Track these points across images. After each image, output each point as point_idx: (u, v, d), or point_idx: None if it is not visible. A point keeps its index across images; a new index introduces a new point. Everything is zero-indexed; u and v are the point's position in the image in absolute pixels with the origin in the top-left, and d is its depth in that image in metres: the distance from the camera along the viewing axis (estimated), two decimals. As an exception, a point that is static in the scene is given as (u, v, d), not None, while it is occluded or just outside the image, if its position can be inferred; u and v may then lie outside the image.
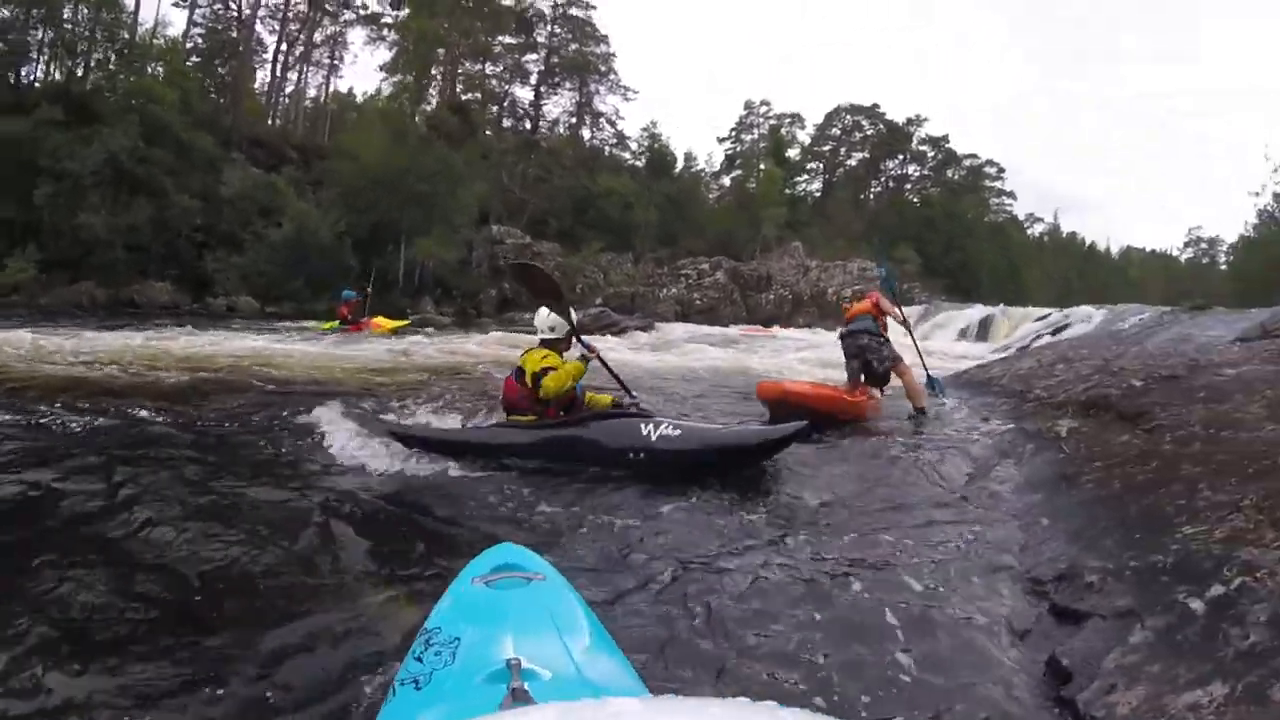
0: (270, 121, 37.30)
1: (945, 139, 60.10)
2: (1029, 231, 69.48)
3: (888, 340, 7.77)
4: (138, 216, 23.36)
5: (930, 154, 60.67)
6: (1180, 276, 63.76)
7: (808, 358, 14.79)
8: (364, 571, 3.02)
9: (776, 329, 27.37)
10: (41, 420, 5.41)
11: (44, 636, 2.31)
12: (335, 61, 41.75)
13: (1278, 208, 37.54)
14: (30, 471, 3.99)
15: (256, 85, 39.01)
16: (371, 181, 27.78)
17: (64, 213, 22.42)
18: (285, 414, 6.29)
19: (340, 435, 5.39)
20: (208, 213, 25.57)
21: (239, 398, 7.07)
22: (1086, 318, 23.58)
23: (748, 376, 10.81)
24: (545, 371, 4.85)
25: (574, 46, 44.69)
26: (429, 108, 34.49)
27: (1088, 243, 75.27)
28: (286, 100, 41.22)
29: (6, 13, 26.63)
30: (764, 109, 54.64)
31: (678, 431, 4.59)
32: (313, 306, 24.17)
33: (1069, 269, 66.61)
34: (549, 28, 44.68)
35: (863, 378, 7.77)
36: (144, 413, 5.92)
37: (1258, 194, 40.68)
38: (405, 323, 18.20)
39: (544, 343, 5.07)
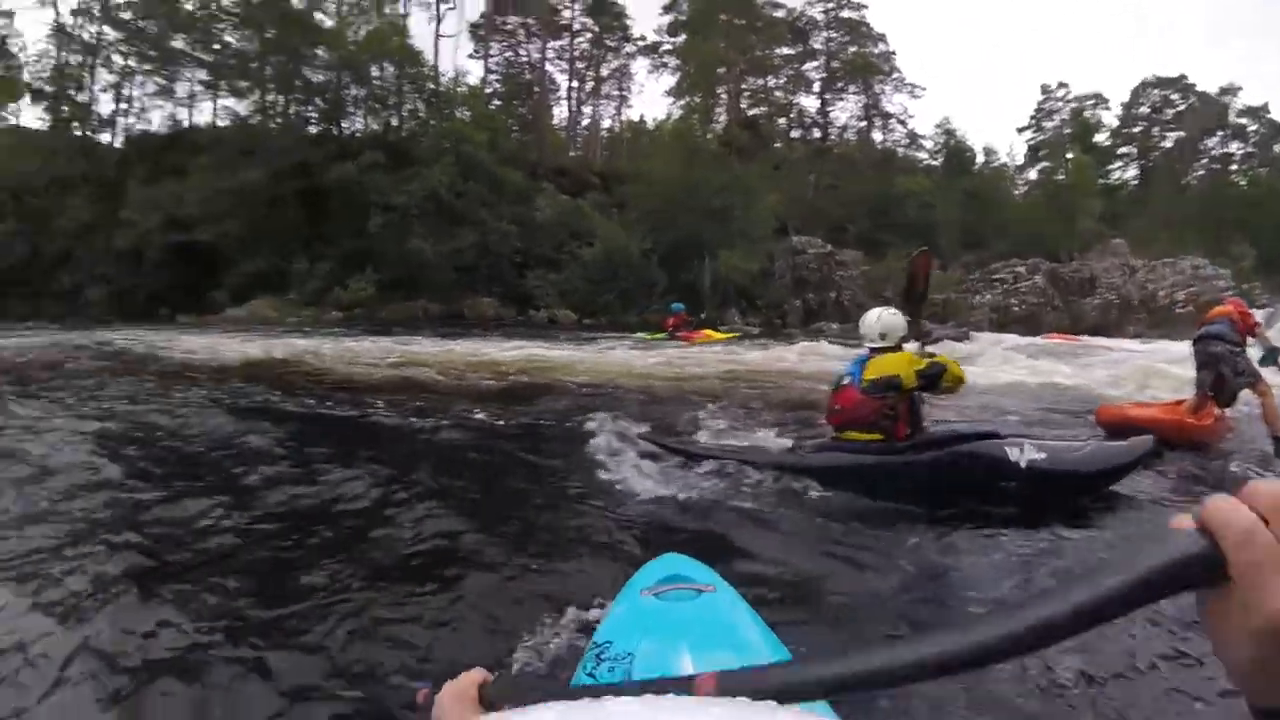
0: (571, 152, 39.77)
1: (1265, 109, 51.51)
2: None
3: (1245, 351, 6.48)
4: (461, 242, 26.10)
5: (1251, 127, 52.44)
6: None
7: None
8: (537, 576, 2.99)
9: (1084, 338, 23.53)
10: (364, 414, 6.51)
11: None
12: (624, 92, 44.08)
13: None
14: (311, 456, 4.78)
15: (555, 121, 41.78)
16: (668, 200, 28.66)
17: (394, 241, 25.63)
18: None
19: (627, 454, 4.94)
20: (524, 236, 27.87)
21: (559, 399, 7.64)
22: None
23: (1074, 394, 9.32)
24: (933, 371, 3.98)
25: (852, 49, 43.61)
26: (718, 126, 34.77)
27: None
28: (585, 132, 43.87)
29: (323, 76, 31.30)
30: (1062, 91, 50.01)
31: (1043, 454, 3.94)
32: (624, 318, 25.56)
33: None
34: (824, 34, 43.96)
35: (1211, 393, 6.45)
36: (450, 415, 6.41)
37: None
38: (736, 334, 18.48)
39: (873, 352, 4.25)
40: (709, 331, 17.58)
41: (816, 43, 43.83)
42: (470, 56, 39.53)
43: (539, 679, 2.05)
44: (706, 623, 1.54)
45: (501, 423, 6.18)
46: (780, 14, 42.97)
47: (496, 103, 36.68)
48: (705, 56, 33.49)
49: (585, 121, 43.79)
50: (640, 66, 42.98)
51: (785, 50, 42.81)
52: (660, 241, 27.59)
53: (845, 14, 43.42)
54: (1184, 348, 7.53)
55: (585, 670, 1.44)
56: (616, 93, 43.60)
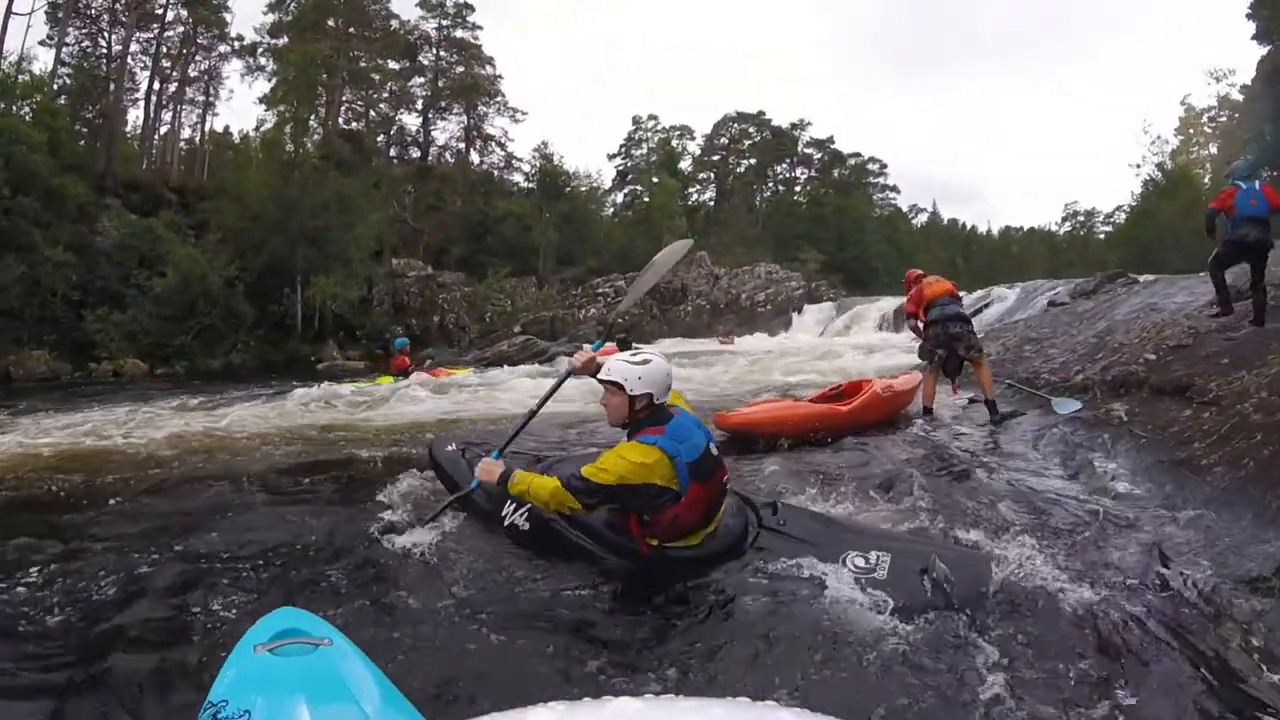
0: (145, 165, 34.91)
1: (830, 140, 62.08)
2: (913, 221, 72.09)
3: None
4: (6, 276, 20.52)
5: (817, 156, 62.32)
6: (1060, 249, 66.89)
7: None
8: (130, 641, 2.80)
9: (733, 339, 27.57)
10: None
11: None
12: (210, 98, 39.53)
13: (1161, 177, 40.29)
14: None
15: (128, 127, 36.58)
16: (258, 220, 25.72)
17: None
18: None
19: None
20: (83, 267, 22.94)
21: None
22: (1002, 296, 24.65)
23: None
24: None
25: (460, 69, 43.64)
26: (316, 137, 32.73)
27: (968, 227, 78.58)
28: (160, 142, 38.68)
29: None
30: (652, 123, 55.14)
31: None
32: (206, 363, 22.39)
33: (953, 254, 69.24)
34: (435, 51, 43.49)
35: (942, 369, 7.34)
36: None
37: (1139, 165, 43.89)
38: (468, 370, 16.49)
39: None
40: (448, 369, 15.98)
41: (425, 59, 43.32)
42: (41, 43, 32.84)
43: None
44: (324, 677, 1.50)
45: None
46: (394, 24, 41.77)
47: (63, 98, 30.83)
48: (308, 59, 31.13)
49: (164, 129, 38.94)
50: (233, 69, 39.06)
51: (393, 64, 41.67)
52: (248, 268, 24.50)
53: (459, 33, 43.42)
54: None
55: None
56: (202, 98, 39.29)
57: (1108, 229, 60.87)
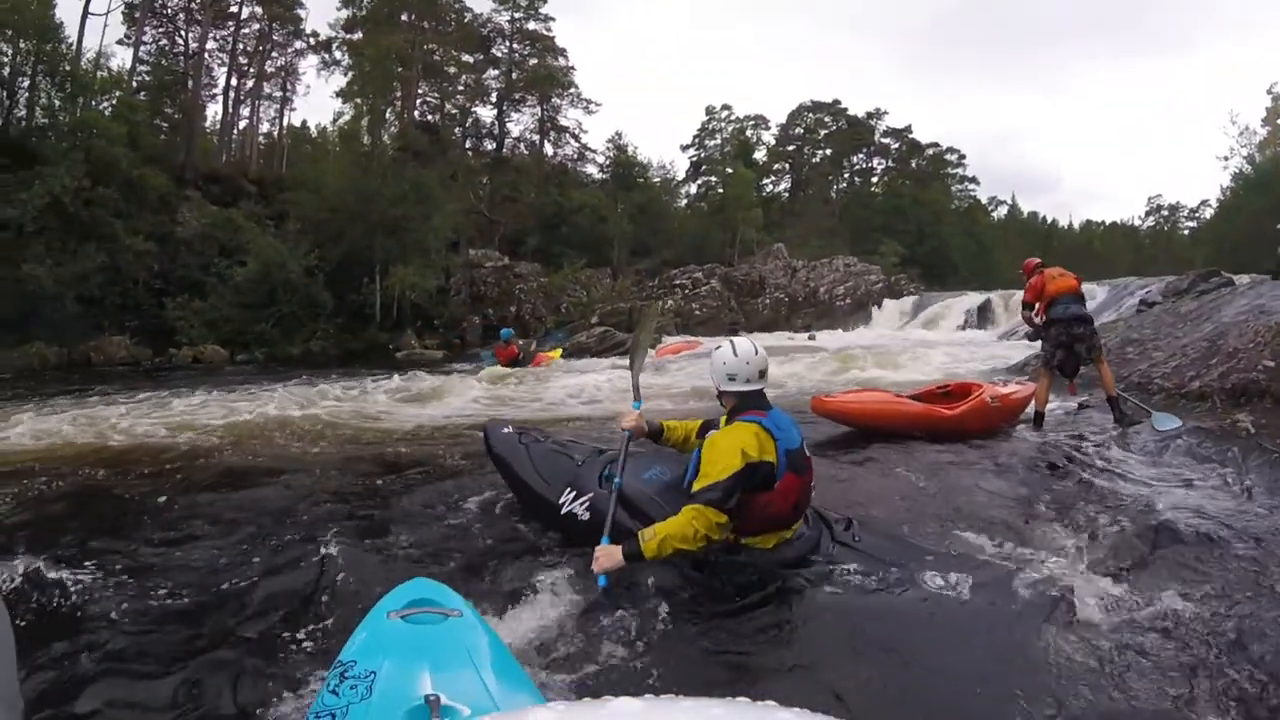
0: (225, 157, 35.30)
1: (908, 129, 60.42)
2: (992, 214, 69.61)
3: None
4: (87, 264, 20.68)
5: (894, 146, 60.75)
6: (1143, 245, 64.11)
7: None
8: (275, 600, 3.02)
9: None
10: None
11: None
12: (288, 93, 39.91)
13: (1252, 171, 37.83)
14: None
15: (207, 123, 37.15)
16: (336, 211, 25.70)
17: (5, 266, 19.53)
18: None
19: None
20: (164, 256, 23.29)
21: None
22: (1091, 294, 23.07)
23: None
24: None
25: (534, 61, 43.11)
26: (393, 129, 32.55)
27: (1049, 220, 75.63)
28: (239, 136, 39.20)
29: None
30: (725, 113, 54.11)
31: None
32: (286, 349, 22.28)
33: (1034, 248, 66.61)
34: (508, 44, 43.09)
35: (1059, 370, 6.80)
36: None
37: (1226, 158, 41.31)
38: (558, 352, 17.37)
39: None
40: (548, 355, 16.27)
41: (499, 51, 42.93)
42: (119, 42, 33.35)
43: None
44: (450, 647, 1.56)
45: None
46: (467, 18, 41.71)
47: (143, 94, 31.34)
48: (383, 53, 30.97)
49: (243, 124, 39.38)
50: (309, 65, 39.36)
51: (467, 57, 41.45)
52: (326, 258, 24.42)
53: (532, 25, 43.02)
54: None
55: (329, 688, 1.47)
56: (280, 93, 39.66)
57: (1192, 224, 57.99)
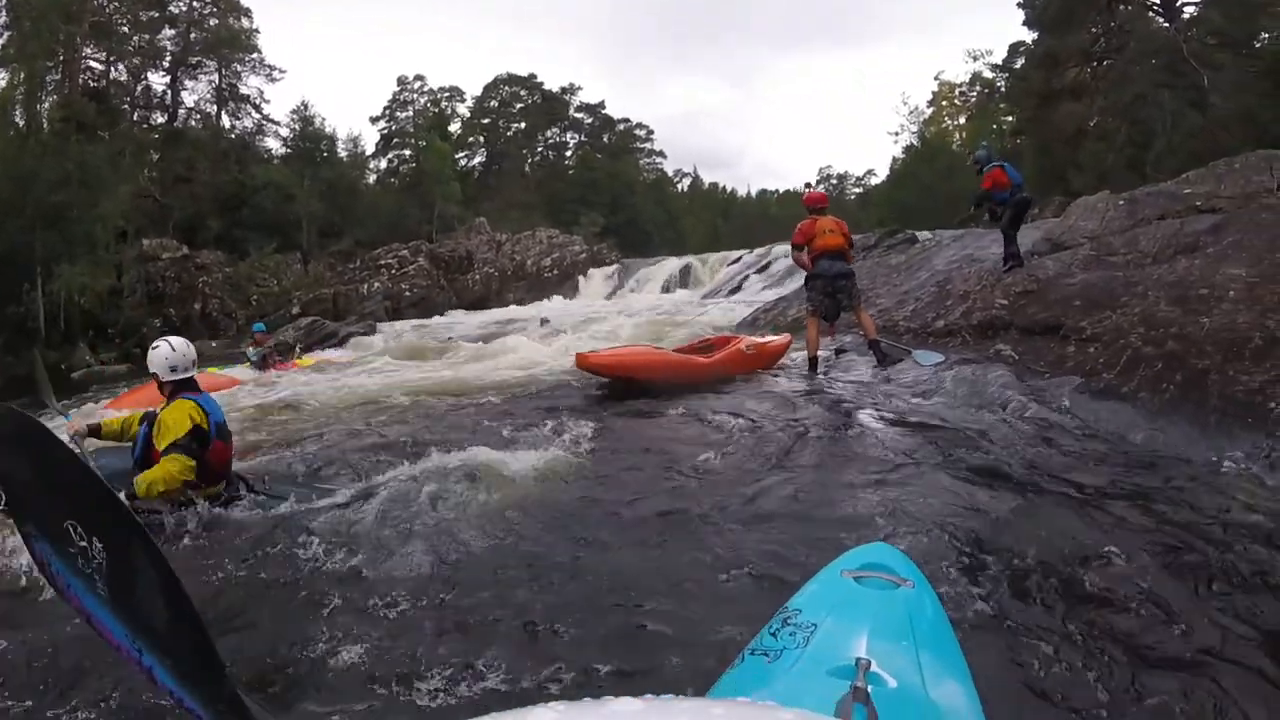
0: None
1: (601, 105, 62.71)
2: (677, 185, 74.72)
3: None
4: None
5: (588, 121, 62.72)
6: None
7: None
8: (740, 545, 3.18)
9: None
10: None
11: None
12: None
13: (919, 145, 44.55)
14: None
15: None
16: None
17: None
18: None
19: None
20: None
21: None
22: (785, 254, 25.94)
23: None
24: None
25: (214, 22, 38.08)
26: (54, 98, 27.27)
27: (729, 190, 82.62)
28: None
29: None
30: (419, 84, 52.12)
31: None
32: None
33: (715, 216, 72.64)
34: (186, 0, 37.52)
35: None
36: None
37: (897, 134, 48.42)
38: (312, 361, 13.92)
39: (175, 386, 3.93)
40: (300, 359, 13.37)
41: (176, 8, 37.16)
42: None
43: None
44: (894, 615, 1.55)
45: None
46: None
47: None
48: (49, 6, 25.61)
49: None
50: None
51: (142, 14, 35.52)
52: None
53: (216, -22, 37.48)
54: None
55: (770, 629, 1.53)
56: None
57: (858, 190, 66.10)
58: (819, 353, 7.57)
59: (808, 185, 63.04)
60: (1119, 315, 5.63)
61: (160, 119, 38.04)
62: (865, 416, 5.26)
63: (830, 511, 3.46)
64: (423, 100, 52.55)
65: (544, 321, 19.79)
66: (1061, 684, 2.19)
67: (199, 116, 39.39)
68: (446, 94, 56.31)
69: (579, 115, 62.61)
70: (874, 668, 1.27)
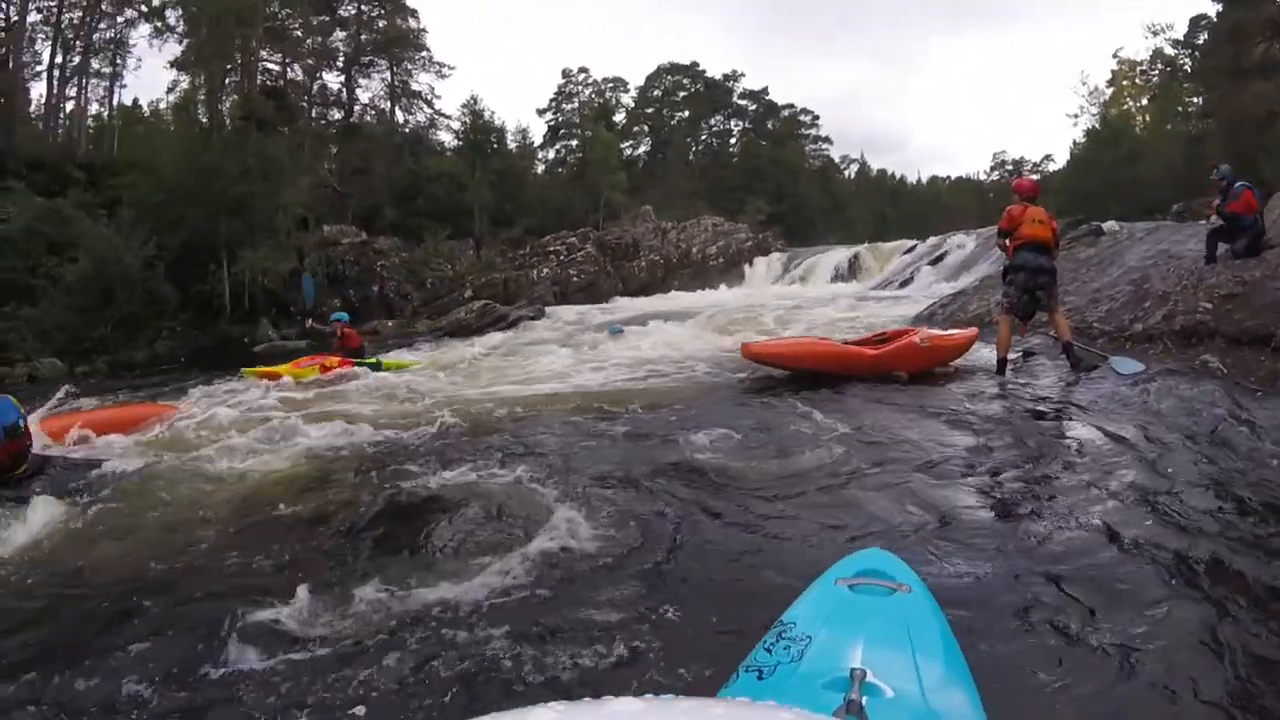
0: (50, 143, 31.41)
1: (765, 91, 61.75)
2: (844, 173, 72.15)
3: None
4: None
5: (751, 108, 62.00)
6: (987, 198, 67.77)
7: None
8: (735, 554, 3.16)
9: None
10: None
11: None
12: (118, 68, 35.68)
13: (1101, 129, 40.85)
14: None
15: (31, 106, 33.05)
16: (174, 192, 23.29)
17: None
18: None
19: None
20: None
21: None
22: (961, 244, 24.24)
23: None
24: None
25: (383, 23, 40.60)
26: (234, 98, 29.62)
27: (898, 177, 79.00)
28: (66, 120, 34.92)
29: None
30: (583, 76, 53.07)
31: None
32: (128, 354, 19.75)
33: (883, 203, 69.67)
34: (356, 3, 40.24)
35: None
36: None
37: (1076, 116, 44.31)
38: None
39: None
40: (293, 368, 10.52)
41: (345, 11, 39.96)
42: None
43: None
44: (890, 622, 1.53)
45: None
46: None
47: None
48: (222, 9, 27.81)
49: (70, 106, 35.14)
50: (139, 35, 34.94)
51: (313, 19, 38.35)
52: (166, 246, 21.80)
53: (380, -17, 40.16)
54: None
55: (764, 645, 1.50)
56: (109, 69, 35.51)
57: (1035, 177, 61.60)
58: (1009, 354, 6.96)
59: (1012, 174, 59.66)
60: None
61: (337, 115, 41.04)
62: (1069, 430, 4.78)
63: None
64: (587, 91, 53.54)
65: (615, 331, 14.33)
66: (1075, 689, 2.12)
67: (374, 112, 42.23)
68: (610, 85, 57.39)
69: (742, 102, 62.03)
70: (870, 678, 1.24)
